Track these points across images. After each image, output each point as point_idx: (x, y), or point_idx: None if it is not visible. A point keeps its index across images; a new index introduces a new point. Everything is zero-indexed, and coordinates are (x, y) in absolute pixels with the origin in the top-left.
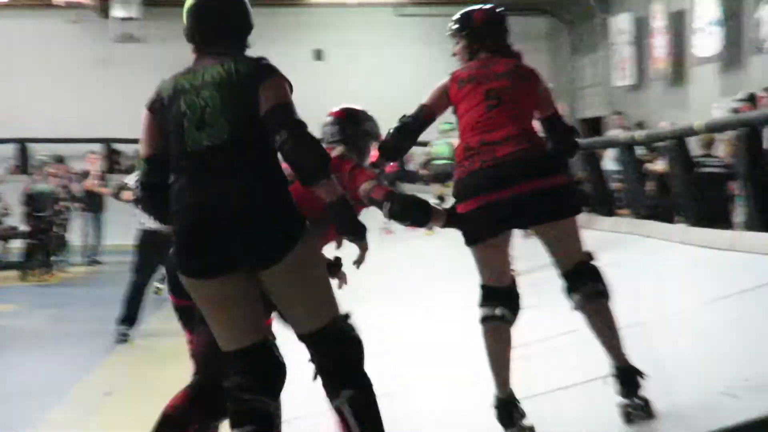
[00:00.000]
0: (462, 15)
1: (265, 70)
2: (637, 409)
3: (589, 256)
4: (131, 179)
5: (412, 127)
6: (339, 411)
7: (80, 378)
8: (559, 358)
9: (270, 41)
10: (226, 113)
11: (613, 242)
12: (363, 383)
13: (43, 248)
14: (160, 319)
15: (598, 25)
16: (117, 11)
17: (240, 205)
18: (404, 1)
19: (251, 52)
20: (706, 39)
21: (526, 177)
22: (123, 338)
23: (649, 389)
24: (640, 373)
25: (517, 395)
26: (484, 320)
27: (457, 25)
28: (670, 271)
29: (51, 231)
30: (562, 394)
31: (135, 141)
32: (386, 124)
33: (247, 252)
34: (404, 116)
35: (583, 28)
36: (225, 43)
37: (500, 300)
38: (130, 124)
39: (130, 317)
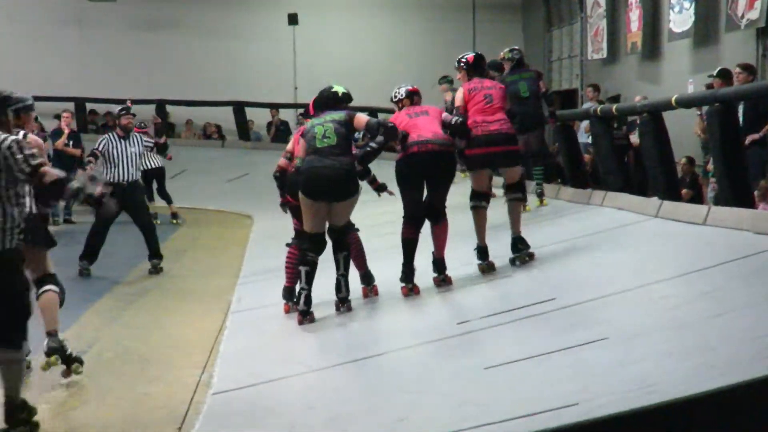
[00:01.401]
0: (462, 58)
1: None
2: (523, 257)
3: (521, 178)
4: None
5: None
6: (339, 259)
7: None
8: (536, 326)
9: (246, 6)
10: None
11: (586, 214)
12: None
13: None
14: (133, 284)
15: None
16: None
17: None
18: None
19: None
20: (681, 14)
21: (506, 143)
22: (86, 272)
23: (618, 354)
24: (525, 241)
25: (503, 360)
26: (474, 207)
27: (460, 63)
28: (643, 243)
29: None
30: (548, 358)
31: (108, 101)
32: (360, 87)
33: (334, 194)
34: (460, 116)
35: (558, 0)
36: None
37: (482, 197)
38: (104, 83)
39: (90, 254)
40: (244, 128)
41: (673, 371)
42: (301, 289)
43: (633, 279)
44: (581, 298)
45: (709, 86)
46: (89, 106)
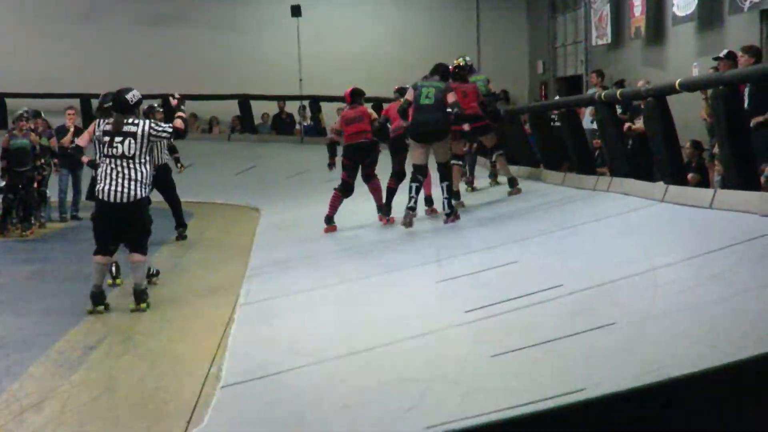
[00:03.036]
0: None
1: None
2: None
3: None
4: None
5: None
6: (443, 186)
7: (63, 332)
8: (543, 313)
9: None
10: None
11: (593, 200)
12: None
13: (22, 204)
14: None
15: None
16: None
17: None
18: None
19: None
20: None
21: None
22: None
23: (626, 339)
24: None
25: (511, 348)
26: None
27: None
28: (650, 228)
29: (30, 186)
30: (555, 345)
31: None
32: (362, 79)
33: (434, 136)
34: (459, 107)
35: None
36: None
37: (463, 160)
38: (110, 78)
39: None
40: (249, 121)
41: (681, 355)
42: (410, 197)
43: (640, 264)
44: (588, 283)
45: (715, 69)
46: (96, 101)
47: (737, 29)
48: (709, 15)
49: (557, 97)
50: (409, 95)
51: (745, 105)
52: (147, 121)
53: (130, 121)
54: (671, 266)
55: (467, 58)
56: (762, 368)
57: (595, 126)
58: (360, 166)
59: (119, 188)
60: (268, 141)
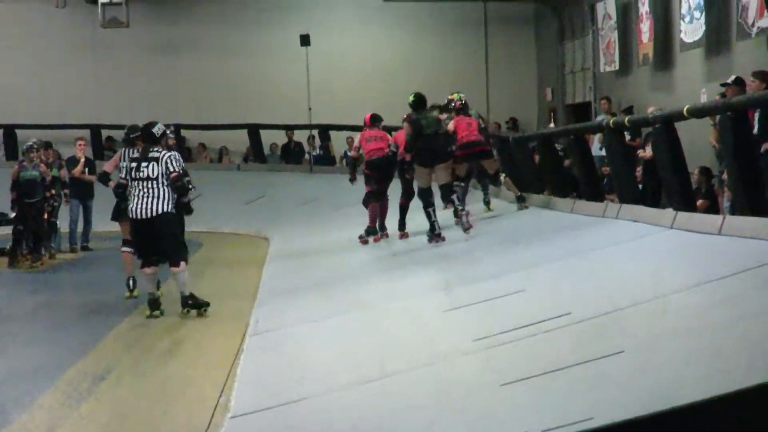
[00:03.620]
0: (449, 101)
1: None
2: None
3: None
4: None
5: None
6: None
7: (73, 362)
8: (551, 341)
9: (258, 27)
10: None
11: (601, 226)
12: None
13: (32, 234)
14: None
15: (585, 11)
16: None
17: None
18: None
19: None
20: (692, 24)
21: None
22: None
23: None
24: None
25: (520, 376)
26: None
27: (447, 104)
28: (659, 255)
29: (40, 217)
30: (565, 373)
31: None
32: (371, 107)
33: (438, 160)
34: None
35: (570, 13)
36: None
37: (466, 180)
38: (119, 109)
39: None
40: (259, 150)
41: (690, 381)
42: (432, 222)
43: (649, 290)
44: (597, 311)
45: (723, 95)
46: (106, 132)
47: (745, 55)
48: (716, 41)
49: (551, 125)
50: (407, 129)
51: (755, 130)
52: (168, 153)
53: (155, 149)
54: (680, 292)
55: (461, 95)
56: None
57: (603, 153)
58: (382, 178)
59: (144, 206)
60: (278, 170)
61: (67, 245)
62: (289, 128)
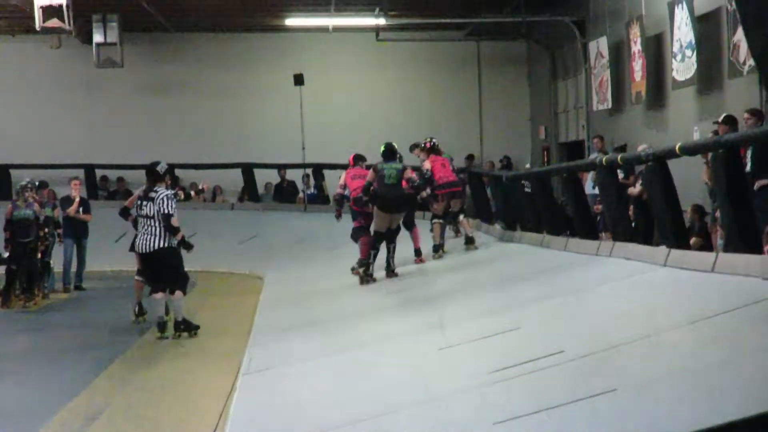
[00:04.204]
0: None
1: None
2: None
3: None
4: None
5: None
6: (389, 247)
7: (65, 402)
8: (545, 379)
9: (252, 67)
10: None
11: (595, 264)
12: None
13: (26, 274)
14: (144, 347)
15: (577, 50)
16: (97, 36)
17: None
18: (383, 25)
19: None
20: (683, 62)
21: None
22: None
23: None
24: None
25: (513, 415)
26: (434, 222)
27: (420, 145)
28: (652, 292)
29: (34, 257)
30: (558, 411)
31: (117, 167)
32: (365, 145)
33: (397, 208)
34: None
35: (563, 52)
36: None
37: (446, 217)
38: (114, 148)
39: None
40: (253, 189)
41: (683, 419)
42: (368, 261)
43: (642, 328)
44: (590, 349)
45: (715, 133)
46: (100, 171)
47: (737, 93)
48: (708, 79)
49: (528, 165)
50: (371, 176)
51: (747, 168)
52: (165, 193)
53: (155, 189)
54: (673, 330)
55: (434, 140)
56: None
57: (596, 191)
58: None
59: (145, 242)
60: (272, 209)
61: (60, 285)
62: (283, 167)
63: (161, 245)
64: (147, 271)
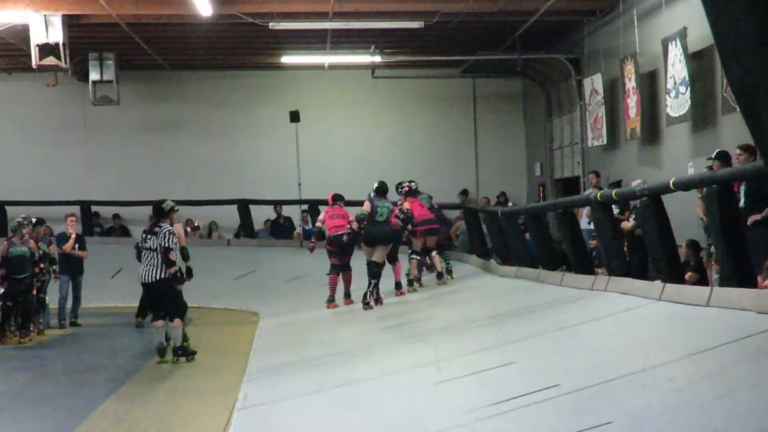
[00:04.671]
0: (399, 185)
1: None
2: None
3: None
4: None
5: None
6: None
7: None
8: (541, 413)
9: (248, 104)
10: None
11: (590, 299)
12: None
13: (21, 311)
14: (139, 383)
15: (572, 87)
16: (94, 74)
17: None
18: (379, 62)
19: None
20: (678, 99)
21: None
22: (140, 326)
23: None
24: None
25: None
26: (411, 258)
27: (400, 189)
28: (647, 327)
29: (29, 293)
30: None
31: (113, 203)
32: (360, 182)
33: (381, 242)
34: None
35: (558, 89)
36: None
37: (421, 254)
38: (110, 185)
39: (141, 313)
40: (249, 226)
41: None
42: (368, 290)
43: (637, 362)
44: (585, 383)
45: (710, 168)
46: (95, 208)
47: (731, 129)
48: (702, 115)
49: (509, 203)
50: (367, 207)
51: (741, 203)
52: (167, 229)
53: (159, 224)
54: (668, 364)
55: (413, 183)
56: None
57: (592, 226)
58: (343, 254)
59: (147, 273)
60: (268, 246)
61: (56, 321)
62: (279, 203)
63: (161, 276)
64: (148, 300)
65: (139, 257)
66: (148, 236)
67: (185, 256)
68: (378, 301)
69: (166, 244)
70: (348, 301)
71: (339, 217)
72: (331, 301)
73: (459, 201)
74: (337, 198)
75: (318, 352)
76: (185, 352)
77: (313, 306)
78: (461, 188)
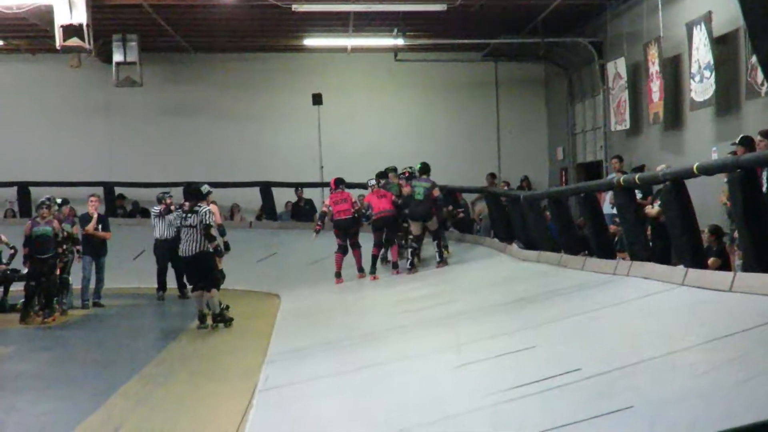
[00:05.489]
0: (428, 167)
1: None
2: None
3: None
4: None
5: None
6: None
7: (81, 419)
8: (562, 397)
9: (271, 88)
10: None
11: (613, 284)
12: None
13: (44, 291)
14: (161, 364)
15: (595, 71)
16: (117, 56)
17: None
18: (401, 46)
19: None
20: (702, 83)
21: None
22: (161, 299)
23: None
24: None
25: None
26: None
27: (401, 172)
28: (669, 312)
29: (52, 273)
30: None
31: (136, 184)
32: (382, 164)
33: (424, 219)
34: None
35: (580, 73)
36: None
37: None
38: (132, 167)
39: (160, 286)
40: (271, 208)
41: None
42: (411, 255)
43: (659, 347)
44: (607, 367)
45: (733, 154)
46: (118, 189)
47: (755, 114)
48: (726, 100)
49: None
50: (406, 190)
51: (765, 188)
52: (207, 210)
53: (198, 204)
54: (689, 349)
55: (414, 167)
56: None
57: (614, 211)
58: (347, 236)
59: (188, 247)
60: (290, 228)
61: (79, 302)
62: (301, 186)
63: (200, 249)
64: (189, 272)
65: (178, 234)
66: (188, 215)
67: (222, 233)
68: (413, 268)
69: (207, 221)
70: (360, 275)
71: (342, 201)
72: (337, 276)
73: (486, 184)
74: (339, 182)
75: (339, 335)
76: (223, 318)
77: (333, 289)
78: (482, 172)
